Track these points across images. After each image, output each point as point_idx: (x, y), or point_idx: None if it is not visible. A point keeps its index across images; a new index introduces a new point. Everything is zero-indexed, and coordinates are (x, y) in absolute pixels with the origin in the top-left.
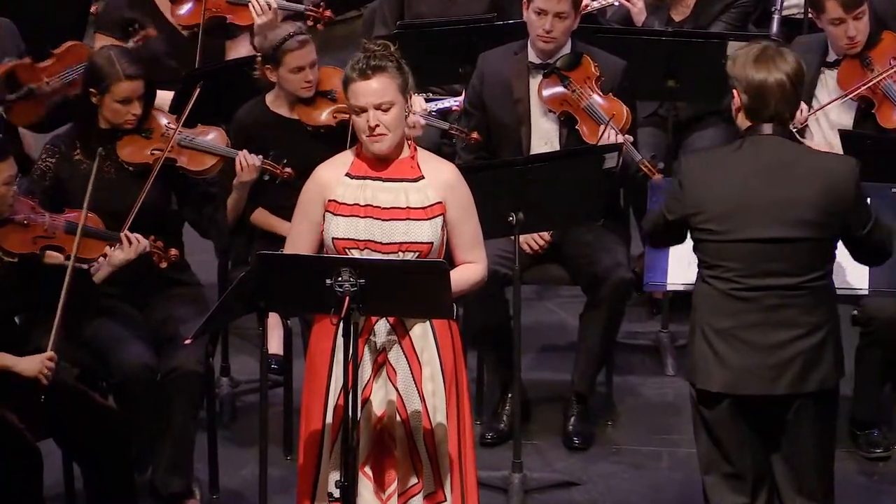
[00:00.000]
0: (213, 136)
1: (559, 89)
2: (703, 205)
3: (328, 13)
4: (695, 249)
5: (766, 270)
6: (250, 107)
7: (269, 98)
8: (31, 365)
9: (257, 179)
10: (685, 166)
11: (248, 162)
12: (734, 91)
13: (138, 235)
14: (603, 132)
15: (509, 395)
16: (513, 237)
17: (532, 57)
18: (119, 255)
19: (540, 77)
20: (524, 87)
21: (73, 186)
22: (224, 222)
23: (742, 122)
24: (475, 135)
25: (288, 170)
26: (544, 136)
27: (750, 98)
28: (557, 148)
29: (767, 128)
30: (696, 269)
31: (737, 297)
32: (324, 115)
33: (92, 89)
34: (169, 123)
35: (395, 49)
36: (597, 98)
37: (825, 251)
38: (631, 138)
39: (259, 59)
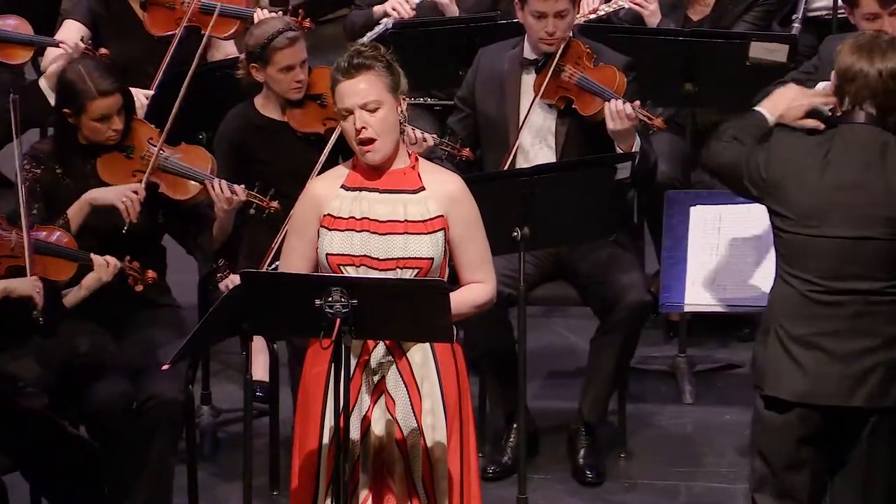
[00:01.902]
0: (197, 161)
1: (552, 78)
2: (788, 194)
3: (308, 23)
4: (775, 244)
5: (850, 273)
6: (239, 111)
7: (259, 101)
8: (24, 284)
9: (243, 210)
10: (774, 142)
11: (224, 192)
12: (832, 73)
13: (108, 256)
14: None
15: (514, 426)
16: (517, 254)
17: (527, 52)
18: (92, 277)
19: (533, 73)
20: (516, 82)
21: (55, 204)
22: (209, 245)
23: (836, 108)
24: (467, 151)
25: (275, 204)
26: (538, 134)
27: (839, 82)
28: (553, 146)
29: (860, 116)
30: (717, 290)
31: (817, 300)
32: (313, 121)
33: (66, 109)
34: (151, 139)
35: (387, 51)
36: (588, 72)
37: None
38: (637, 103)
39: (244, 58)
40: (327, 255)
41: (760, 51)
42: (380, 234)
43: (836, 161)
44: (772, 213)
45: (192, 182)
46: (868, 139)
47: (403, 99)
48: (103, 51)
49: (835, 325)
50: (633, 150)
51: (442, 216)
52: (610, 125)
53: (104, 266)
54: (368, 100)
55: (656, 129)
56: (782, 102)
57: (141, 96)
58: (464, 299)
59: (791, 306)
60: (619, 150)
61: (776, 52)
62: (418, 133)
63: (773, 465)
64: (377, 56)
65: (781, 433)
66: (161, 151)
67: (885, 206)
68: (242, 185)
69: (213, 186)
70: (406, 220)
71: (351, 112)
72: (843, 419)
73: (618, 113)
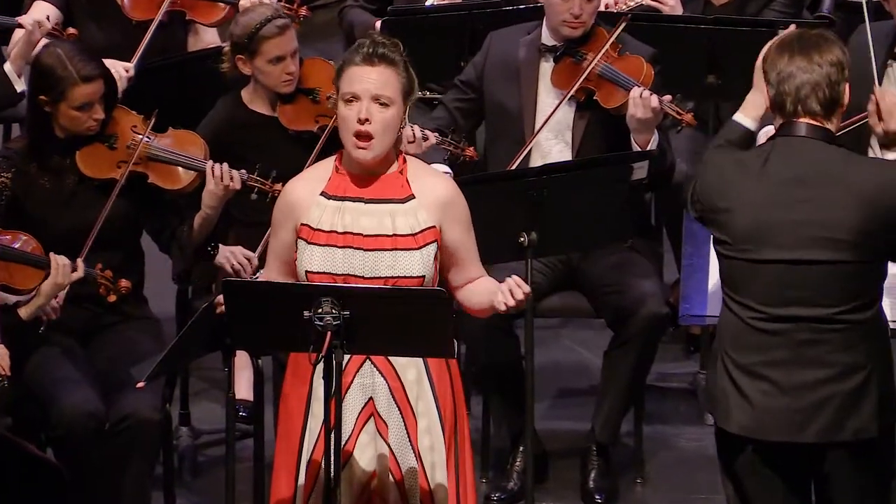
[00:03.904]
0: (190, 147)
1: (573, 67)
2: (721, 216)
3: (303, 10)
4: (719, 267)
5: (792, 298)
6: (224, 104)
7: (246, 94)
8: None
9: (244, 197)
10: (708, 161)
11: (223, 175)
12: (765, 84)
13: (63, 257)
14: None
15: (520, 449)
16: (524, 261)
17: (545, 38)
18: (48, 282)
19: (552, 61)
20: (533, 71)
21: (31, 205)
22: (188, 238)
23: (776, 120)
24: (471, 151)
25: (278, 186)
26: (555, 129)
27: (774, 91)
28: (569, 141)
29: (801, 128)
30: None
31: (760, 329)
32: (305, 118)
33: (42, 97)
34: (135, 127)
35: (404, 51)
36: (613, 62)
37: (866, 277)
38: (668, 97)
39: (228, 48)
40: (307, 272)
41: None
42: (365, 250)
43: (773, 179)
44: (714, 240)
45: (185, 170)
46: (808, 154)
47: (408, 107)
48: (71, 30)
49: (780, 354)
50: (650, 146)
51: (434, 227)
52: (631, 110)
53: (59, 268)
54: (384, 93)
55: (685, 126)
56: (759, 102)
57: (120, 69)
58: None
59: (735, 334)
60: (634, 144)
61: None
62: (417, 132)
63: (741, 498)
64: (399, 53)
65: (742, 468)
66: (148, 139)
67: (827, 227)
68: (242, 170)
69: (212, 171)
70: (395, 235)
71: (358, 98)
72: (801, 455)
73: (642, 101)
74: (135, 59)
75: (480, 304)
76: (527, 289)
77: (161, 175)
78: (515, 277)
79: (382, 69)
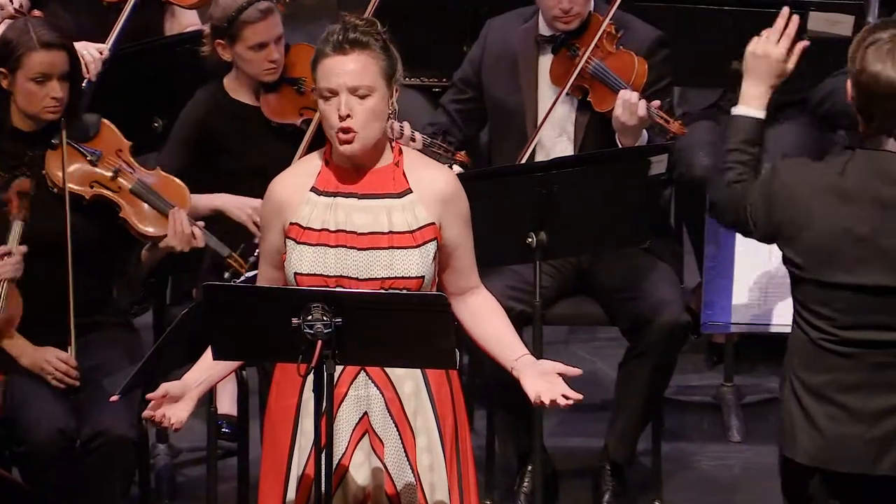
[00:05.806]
0: (174, 196)
1: (568, 62)
2: (795, 231)
3: None
4: (791, 285)
5: (870, 323)
6: (206, 93)
7: (229, 82)
8: None
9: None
10: (776, 174)
11: (185, 228)
12: (848, 80)
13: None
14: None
15: (528, 468)
16: (532, 264)
17: (542, 28)
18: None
19: (550, 53)
20: (532, 64)
21: None
22: (137, 272)
23: (861, 124)
24: (461, 155)
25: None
26: (557, 125)
27: (858, 93)
28: (572, 140)
29: (889, 143)
30: (770, 306)
31: (831, 350)
32: (288, 110)
33: (2, 69)
34: (120, 152)
35: (384, 29)
36: (606, 59)
37: None
38: (656, 103)
39: (208, 31)
40: (296, 274)
41: (820, 22)
42: (359, 249)
43: (854, 196)
44: (784, 258)
45: (165, 218)
46: (891, 172)
47: (397, 89)
48: (37, 13)
49: (853, 378)
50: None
51: (433, 224)
52: (617, 111)
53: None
54: (361, 84)
55: (674, 135)
56: (756, 86)
57: (93, 50)
58: (507, 322)
59: (804, 354)
60: (619, 145)
61: (839, 25)
62: (407, 131)
63: None
64: (374, 34)
65: (809, 499)
66: (132, 171)
67: None
68: (231, 252)
69: (173, 218)
70: (391, 232)
71: (335, 94)
72: (871, 488)
73: (629, 106)
74: (109, 43)
75: (489, 351)
76: (577, 398)
77: (137, 214)
78: (571, 394)
79: (356, 56)
